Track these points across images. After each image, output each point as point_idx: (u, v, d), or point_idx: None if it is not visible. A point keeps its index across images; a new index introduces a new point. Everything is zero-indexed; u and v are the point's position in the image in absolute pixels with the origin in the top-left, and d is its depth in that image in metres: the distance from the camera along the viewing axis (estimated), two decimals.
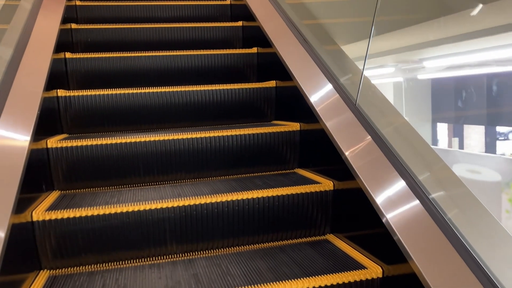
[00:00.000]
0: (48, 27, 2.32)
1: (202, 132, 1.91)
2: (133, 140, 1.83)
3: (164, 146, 1.87)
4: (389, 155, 1.43)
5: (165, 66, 2.53)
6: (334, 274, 1.34)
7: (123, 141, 1.82)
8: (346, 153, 1.53)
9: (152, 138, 1.85)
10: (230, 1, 3.32)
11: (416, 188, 1.29)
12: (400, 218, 1.25)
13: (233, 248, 1.62)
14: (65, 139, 1.84)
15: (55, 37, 2.26)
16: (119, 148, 1.83)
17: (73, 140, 1.79)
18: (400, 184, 1.33)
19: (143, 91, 2.17)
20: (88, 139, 1.80)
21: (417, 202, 1.26)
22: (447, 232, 1.16)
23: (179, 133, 1.88)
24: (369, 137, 1.53)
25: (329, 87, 1.85)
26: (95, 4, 3.14)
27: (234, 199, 1.59)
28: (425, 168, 1.35)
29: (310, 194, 1.65)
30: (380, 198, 1.33)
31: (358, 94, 1.68)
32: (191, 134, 1.89)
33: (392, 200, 1.31)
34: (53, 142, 1.76)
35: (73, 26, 2.75)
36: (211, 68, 2.58)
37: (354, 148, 1.53)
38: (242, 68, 2.63)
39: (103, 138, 1.81)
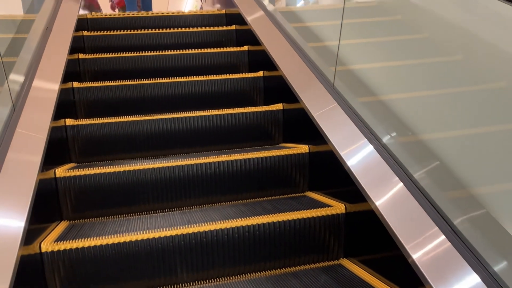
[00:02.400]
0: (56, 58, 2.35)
1: (210, 157, 1.89)
2: (141, 167, 1.82)
3: (172, 172, 1.86)
4: (404, 180, 1.40)
5: (171, 93, 2.54)
6: None
7: (131, 168, 1.81)
8: (357, 176, 1.50)
9: (160, 165, 1.84)
10: (235, 27, 3.36)
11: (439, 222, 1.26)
12: (417, 242, 1.22)
13: (245, 275, 1.59)
14: (73, 168, 1.84)
15: (63, 67, 2.28)
16: (127, 175, 1.82)
17: (81, 169, 1.78)
18: (415, 208, 1.30)
19: (150, 118, 2.17)
20: (96, 168, 1.79)
21: (441, 235, 1.23)
22: (466, 256, 1.13)
23: (186, 159, 1.87)
24: (382, 159, 1.51)
25: (337, 108, 1.84)
26: (102, 33, 3.19)
27: (244, 224, 1.56)
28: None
29: (322, 218, 1.62)
30: (395, 222, 1.30)
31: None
32: (199, 159, 1.88)
33: (408, 223, 1.27)
34: (62, 171, 1.75)
35: (81, 56, 2.79)
36: (217, 93, 2.58)
37: (365, 170, 1.51)
38: (249, 92, 2.63)
39: (111, 166, 1.80)
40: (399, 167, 1.44)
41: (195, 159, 1.87)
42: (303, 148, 1.97)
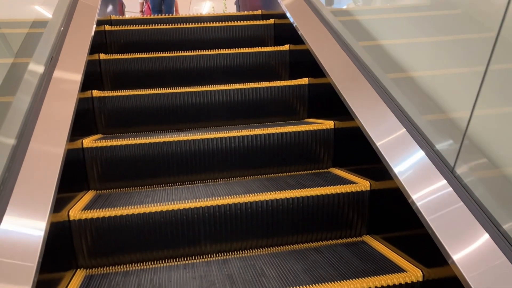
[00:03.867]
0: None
1: (235, 131, 1.89)
2: (166, 139, 1.83)
3: (197, 145, 1.86)
4: (430, 154, 1.38)
5: (197, 66, 2.53)
6: (372, 277, 1.30)
7: (157, 140, 1.82)
8: (384, 153, 1.48)
9: (185, 138, 1.84)
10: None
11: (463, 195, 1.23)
12: (441, 220, 1.20)
13: (267, 248, 1.60)
14: (99, 139, 1.87)
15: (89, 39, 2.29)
16: (152, 147, 1.83)
17: (108, 140, 1.80)
18: (443, 186, 1.28)
19: (175, 91, 2.17)
20: (122, 139, 1.81)
21: (467, 211, 1.20)
22: (485, 224, 1.11)
23: (211, 133, 1.87)
24: (410, 137, 1.47)
25: (364, 83, 1.80)
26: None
27: (267, 199, 1.57)
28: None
29: (346, 195, 1.61)
30: (419, 200, 1.28)
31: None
32: (223, 133, 1.87)
33: (433, 202, 1.25)
34: (88, 142, 1.78)
35: (107, 27, 2.79)
36: (243, 66, 2.56)
37: (392, 148, 1.48)
38: (274, 66, 2.60)
39: (137, 138, 1.82)
40: (427, 145, 1.41)
41: (219, 133, 1.87)
42: (329, 124, 1.95)
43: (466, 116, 1.28)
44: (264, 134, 1.91)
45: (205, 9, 12.62)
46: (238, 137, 1.89)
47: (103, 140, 1.80)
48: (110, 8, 3.55)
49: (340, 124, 1.90)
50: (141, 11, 6.59)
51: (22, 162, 1.30)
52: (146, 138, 1.82)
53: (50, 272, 1.19)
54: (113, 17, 3.26)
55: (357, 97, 1.75)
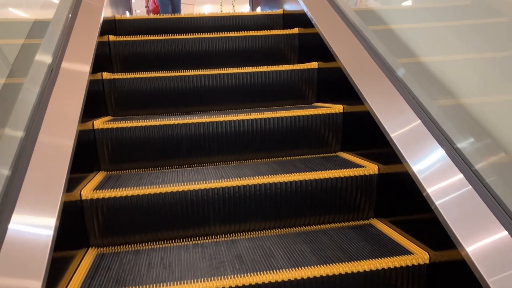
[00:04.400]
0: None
1: (244, 114, 1.90)
2: (176, 122, 1.85)
3: (207, 128, 1.88)
4: (440, 139, 1.38)
5: (207, 49, 2.53)
6: (379, 258, 1.31)
7: (167, 123, 1.84)
8: (392, 136, 1.48)
9: (195, 120, 1.86)
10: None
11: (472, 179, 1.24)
12: (449, 203, 1.21)
13: (276, 230, 1.62)
14: (110, 120, 1.88)
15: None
16: (162, 129, 1.85)
17: (118, 122, 1.82)
18: (453, 171, 1.28)
19: (185, 74, 2.18)
20: (133, 121, 1.83)
21: (469, 187, 1.21)
22: (493, 208, 1.12)
23: (220, 116, 1.88)
24: (419, 120, 1.48)
25: (374, 67, 1.79)
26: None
27: (276, 181, 1.58)
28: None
29: (354, 178, 1.62)
30: (428, 184, 1.28)
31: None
32: (233, 116, 1.88)
33: (442, 186, 1.26)
34: (99, 123, 1.80)
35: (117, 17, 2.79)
36: (252, 50, 2.56)
37: (401, 131, 1.49)
38: (283, 50, 2.60)
39: (147, 120, 1.84)
40: (438, 131, 1.41)
41: (229, 116, 1.88)
42: (337, 108, 1.95)
43: (472, 102, 1.28)
44: (273, 118, 1.91)
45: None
46: (248, 120, 1.90)
47: (114, 122, 1.82)
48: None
49: (349, 108, 1.90)
50: (147, 7, 6.69)
51: (35, 142, 1.32)
52: (156, 121, 1.84)
53: (64, 250, 1.22)
54: (117, 17, 3.25)
55: (366, 79, 1.75)
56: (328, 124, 1.97)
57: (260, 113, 1.91)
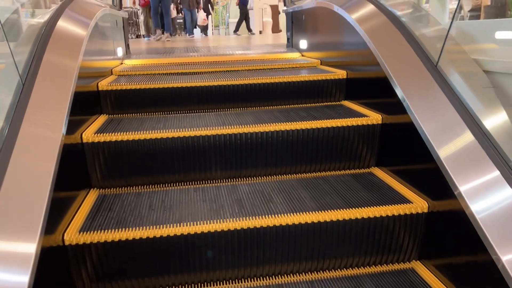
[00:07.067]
0: None
1: (247, 79, 1.90)
2: (182, 85, 1.82)
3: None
4: (448, 94, 1.34)
5: None
6: (378, 206, 1.32)
7: (174, 85, 1.81)
8: (396, 82, 1.44)
9: (201, 84, 1.83)
10: None
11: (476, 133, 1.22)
12: (450, 151, 1.20)
13: (276, 176, 1.63)
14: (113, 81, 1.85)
15: None
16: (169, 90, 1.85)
17: (120, 84, 1.80)
18: (454, 118, 1.26)
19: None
20: (133, 83, 1.80)
21: (471, 137, 1.19)
22: (496, 161, 1.11)
23: (223, 80, 1.88)
24: (429, 74, 1.43)
25: (378, 15, 1.73)
26: None
27: (278, 129, 1.57)
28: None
29: (357, 127, 1.61)
30: (430, 132, 1.26)
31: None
32: (237, 81, 1.89)
33: (443, 134, 1.24)
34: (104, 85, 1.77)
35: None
36: None
37: (406, 79, 1.45)
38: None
39: (152, 83, 1.81)
40: (444, 81, 1.38)
41: (232, 81, 1.91)
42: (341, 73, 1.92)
43: None
44: (281, 82, 1.91)
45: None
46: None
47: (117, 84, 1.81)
48: None
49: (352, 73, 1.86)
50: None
51: (34, 84, 1.29)
52: (163, 83, 1.82)
53: (65, 189, 1.22)
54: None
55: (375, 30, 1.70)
56: (332, 81, 1.94)
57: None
